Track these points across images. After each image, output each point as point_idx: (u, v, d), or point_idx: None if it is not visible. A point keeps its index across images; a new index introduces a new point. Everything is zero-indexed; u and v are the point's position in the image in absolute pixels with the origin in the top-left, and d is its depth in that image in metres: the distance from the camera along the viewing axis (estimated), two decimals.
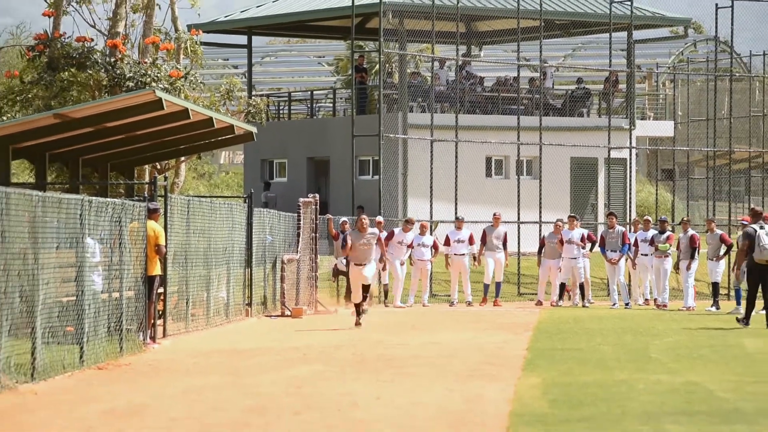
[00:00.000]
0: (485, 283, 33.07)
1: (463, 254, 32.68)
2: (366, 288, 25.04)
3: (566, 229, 32.90)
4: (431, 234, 33.62)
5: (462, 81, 41.80)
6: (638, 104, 46.50)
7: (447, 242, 32.79)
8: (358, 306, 24.90)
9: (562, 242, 32.37)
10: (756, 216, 25.59)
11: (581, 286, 32.59)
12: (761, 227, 24.97)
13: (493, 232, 32.95)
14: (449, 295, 33.27)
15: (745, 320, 25.44)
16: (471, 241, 32.75)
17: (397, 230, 32.65)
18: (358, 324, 24.62)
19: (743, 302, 28.10)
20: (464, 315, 29.66)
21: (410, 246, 32.21)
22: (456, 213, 35.54)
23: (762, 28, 79.21)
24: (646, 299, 32.84)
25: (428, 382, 16.10)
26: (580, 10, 44.27)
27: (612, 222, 32.98)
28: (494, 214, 33.25)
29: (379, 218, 33.28)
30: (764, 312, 25.43)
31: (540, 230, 36.35)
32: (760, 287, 25.31)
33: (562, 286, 32.62)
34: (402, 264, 32.25)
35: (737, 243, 28.59)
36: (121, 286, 19.69)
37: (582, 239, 32.54)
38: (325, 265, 32.04)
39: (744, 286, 27.69)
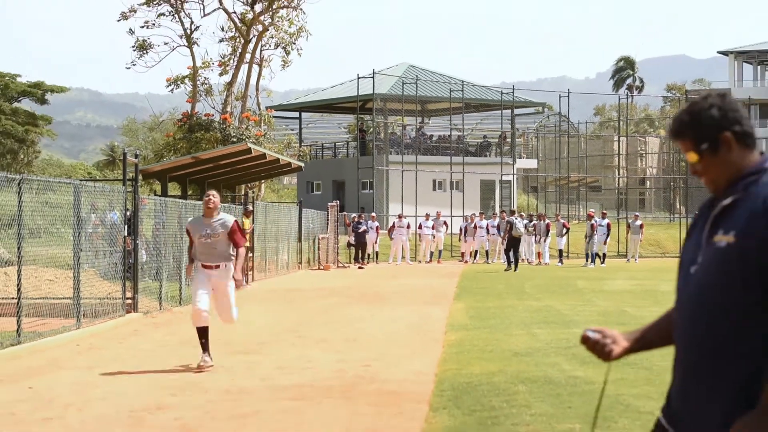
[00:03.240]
0: (439, 250, 32.94)
1: (428, 234, 32.59)
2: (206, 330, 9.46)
3: (478, 219, 32.98)
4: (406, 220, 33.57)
5: (419, 137, 41.88)
6: (517, 150, 46.59)
7: (420, 227, 32.60)
8: (202, 340, 9.34)
9: (476, 227, 32.43)
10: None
11: (487, 253, 32.67)
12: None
13: (437, 221, 32.91)
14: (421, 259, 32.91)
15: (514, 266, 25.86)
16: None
17: (396, 221, 32.20)
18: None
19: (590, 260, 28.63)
20: (425, 268, 29.72)
21: (396, 227, 31.62)
22: (416, 212, 35.48)
23: (585, 106, 79.40)
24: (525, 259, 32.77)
25: (400, 307, 15.96)
26: (485, 97, 44.39)
27: (503, 215, 33.08)
28: (438, 212, 33.26)
29: (373, 214, 33.29)
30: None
31: (463, 220, 36.49)
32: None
33: (476, 253, 32.66)
34: (408, 240, 31.59)
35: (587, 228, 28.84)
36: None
37: (490, 227, 32.37)
38: (342, 240, 32.03)
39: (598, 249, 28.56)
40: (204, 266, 9.42)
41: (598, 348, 2.66)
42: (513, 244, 27.03)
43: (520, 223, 27.76)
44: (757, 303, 2.32)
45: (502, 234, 31.12)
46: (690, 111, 2.51)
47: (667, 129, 53.81)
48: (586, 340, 2.70)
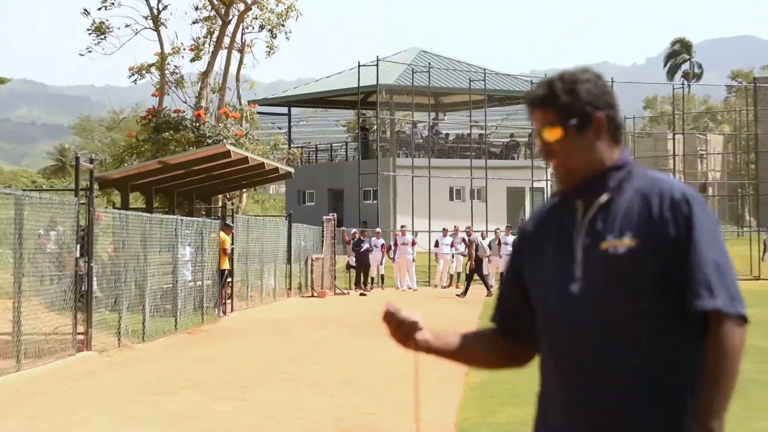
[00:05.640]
0: (457, 273, 32.89)
1: (446, 253, 32.60)
2: None
3: (503, 235, 32.92)
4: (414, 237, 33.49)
5: (433, 136, 41.92)
6: None
7: (436, 244, 32.49)
8: None
9: (500, 244, 32.36)
10: None
11: None
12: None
13: (456, 238, 32.74)
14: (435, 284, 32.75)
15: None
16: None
17: (399, 237, 32.02)
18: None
19: None
20: (442, 295, 29.64)
21: (399, 245, 31.53)
22: (430, 227, 35.59)
23: (633, 97, 78.58)
24: None
25: None
26: (511, 88, 44.46)
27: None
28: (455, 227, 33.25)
29: (378, 229, 33.32)
30: None
31: (485, 236, 36.37)
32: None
33: (503, 276, 32.47)
34: (413, 260, 31.62)
35: None
36: (202, 276, 19.75)
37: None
38: (341, 262, 32.03)
39: None
40: None
41: (402, 330, 2.68)
42: (478, 266, 27.70)
43: (484, 243, 28.61)
44: (675, 310, 2.38)
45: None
46: (563, 78, 2.51)
47: (726, 122, 53.78)
48: (389, 317, 2.69)
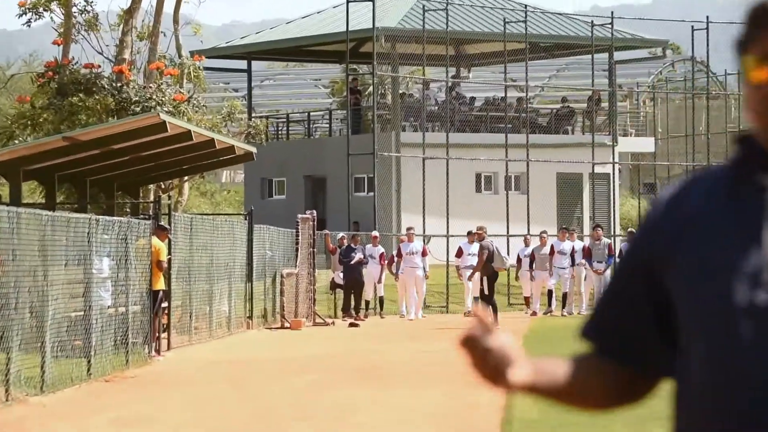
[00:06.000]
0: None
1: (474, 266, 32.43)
2: None
3: (557, 240, 32.81)
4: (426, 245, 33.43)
5: (452, 101, 41.80)
6: (620, 121, 46.48)
7: (459, 254, 32.42)
8: None
9: (552, 253, 32.30)
10: None
11: (565, 297, 32.49)
12: None
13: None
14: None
15: None
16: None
17: (403, 244, 32.12)
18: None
19: None
20: (465, 324, 29.49)
21: (404, 255, 31.77)
22: (448, 230, 35.50)
23: None
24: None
25: (421, 389, 15.92)
26: (563, 33, 44.34)
27: (598, 234, 32.91)
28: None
29: (375, 233, 33.21)
30: None
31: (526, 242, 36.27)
32: None
33: (550, 294, 32.51)
34: (426, 276, 31.90)
35: None
36: (127, 300, 19.63)
37: (574, 251, 32.46)
38: (323, 279, 31.89)
39: None
40: None
41: (490, 363, 2.57)
42: (490, 283, 27.88)
43: (501, 251, 28.76)
44: None
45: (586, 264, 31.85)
46: None
47: None
48: (471, 344, 2.57)
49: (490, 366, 2.58)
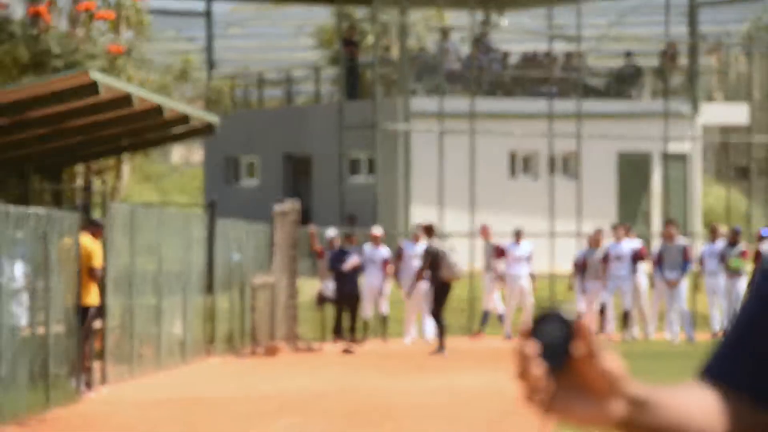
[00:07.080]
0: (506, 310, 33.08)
1: (518, 274, 32.65)
2: None
3: (612, 242, 32.85)
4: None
5: (479, 56, 41.85)
6: (703, 83, 46.40)
7: (500, 254, 33.02)
8: None
9: (608, 259, 32.32)
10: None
11: (626, 316, 32.55)
12: None
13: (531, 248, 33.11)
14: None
15: None
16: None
17: (409, 246, 32.27)
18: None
19: None
20: (497, 354, 29.57)
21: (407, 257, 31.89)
22: (472, 222, 35.57)
23: None
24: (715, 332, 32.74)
25: None
26: None
27: (671, 233, 32.86)
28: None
29: (376, 230, 33.20)
30: None
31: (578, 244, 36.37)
32: None
33: (603, 311, 32.59)
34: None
35: None
36: (47, 319, 19.61)
37: (635, 256, 32.53)
38: (307, 291, 31.96)
39: None
40: None
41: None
42: (439, 296, 28.39)
43: (453, 254, 29.20)
44: None
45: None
46: None
47: None
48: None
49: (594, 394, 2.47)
